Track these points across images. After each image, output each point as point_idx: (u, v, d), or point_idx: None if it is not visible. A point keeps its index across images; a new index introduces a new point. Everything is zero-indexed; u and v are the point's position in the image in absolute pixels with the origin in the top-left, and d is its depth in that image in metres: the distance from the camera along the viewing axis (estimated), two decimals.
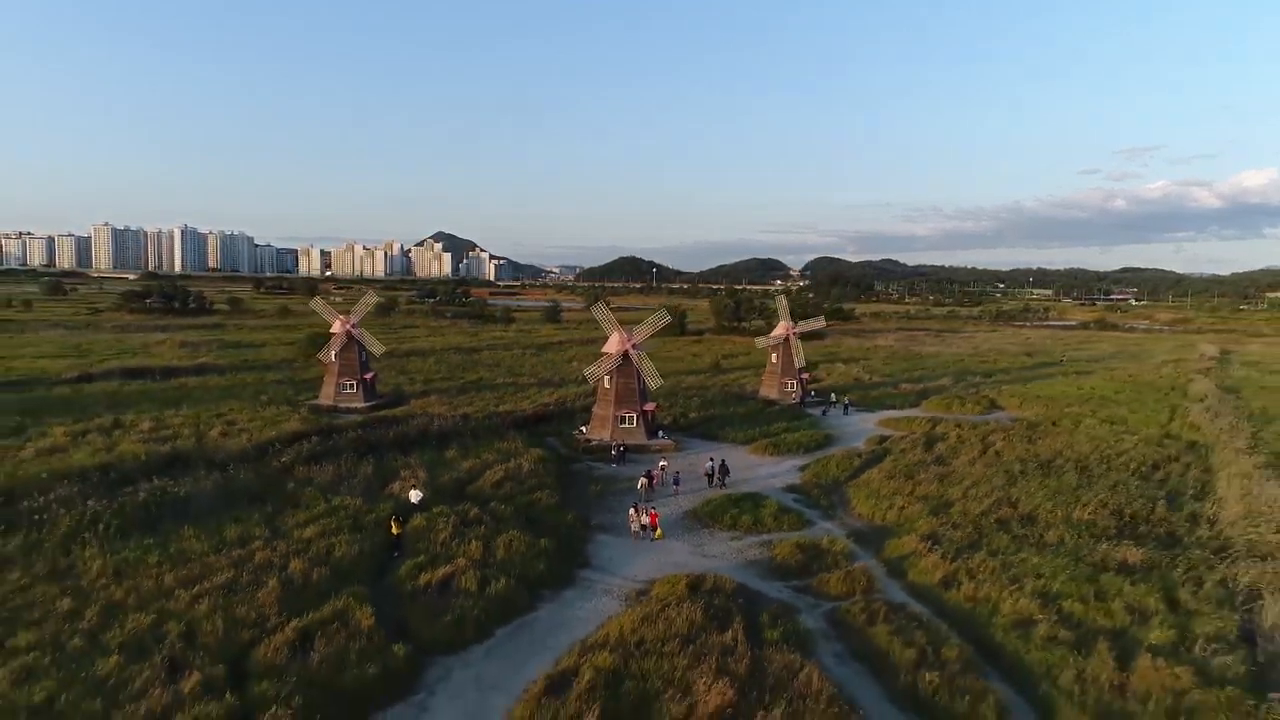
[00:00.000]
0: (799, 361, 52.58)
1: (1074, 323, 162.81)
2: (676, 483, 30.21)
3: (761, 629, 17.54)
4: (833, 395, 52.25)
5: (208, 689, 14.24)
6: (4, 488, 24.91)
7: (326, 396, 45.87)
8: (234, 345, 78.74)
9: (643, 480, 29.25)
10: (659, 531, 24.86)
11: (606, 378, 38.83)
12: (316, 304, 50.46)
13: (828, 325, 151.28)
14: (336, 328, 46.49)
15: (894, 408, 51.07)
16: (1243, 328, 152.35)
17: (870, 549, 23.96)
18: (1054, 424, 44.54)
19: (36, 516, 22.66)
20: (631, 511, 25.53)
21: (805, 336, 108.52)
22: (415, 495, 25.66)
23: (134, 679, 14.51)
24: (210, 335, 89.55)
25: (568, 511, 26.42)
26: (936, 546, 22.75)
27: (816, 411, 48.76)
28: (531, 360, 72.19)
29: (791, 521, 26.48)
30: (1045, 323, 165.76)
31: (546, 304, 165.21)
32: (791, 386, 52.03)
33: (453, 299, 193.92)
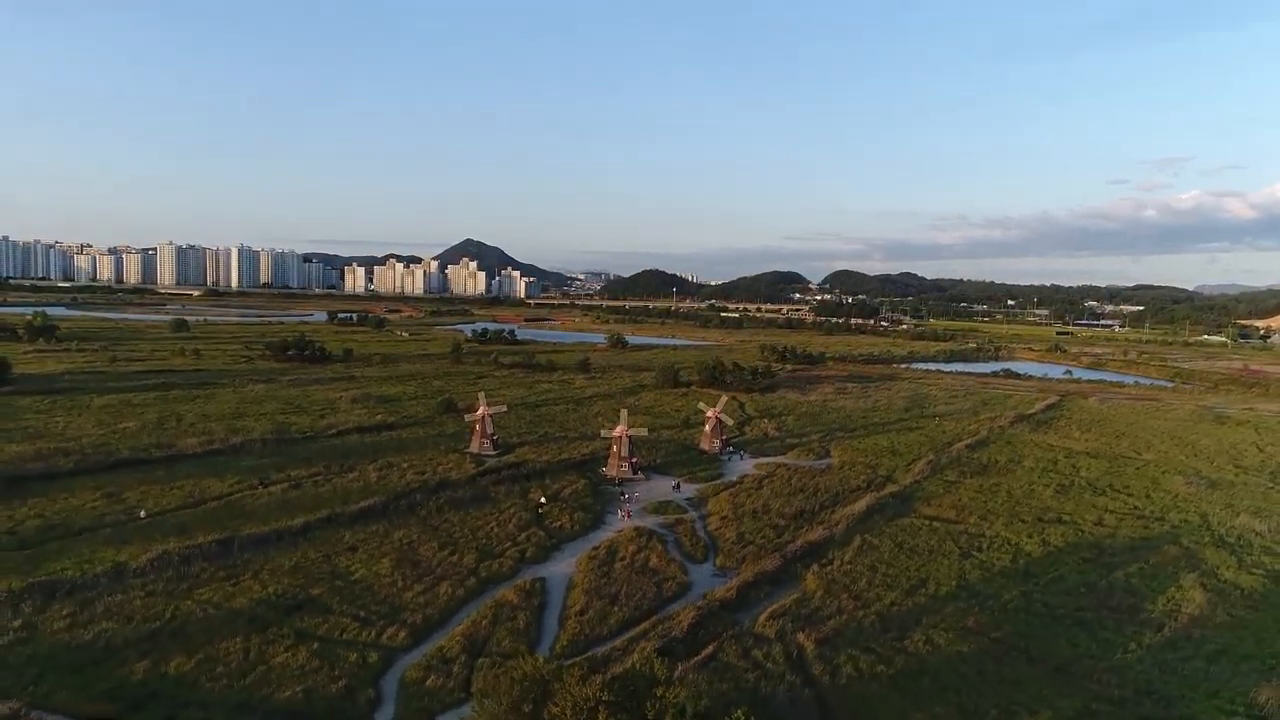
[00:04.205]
0: (707, 429, 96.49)
1: (988, 370, 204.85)
2: (636, 495, 74.38)
3: (654, 537, 61.70)
4: (732, 447, 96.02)
5: (504, 559, 59.06)
6: (398, 493, 69.85)
7: (474, 446, 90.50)
8: (383, 400, 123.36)
9: (624, 494, 73.74)
10: (630, 515, 68.99)
11: (614, 443, 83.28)
12: (480, 396, 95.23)
13: (794, 370, 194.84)
14: (480, 411, 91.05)
15: (771, 455, 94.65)
16: (1119, 374, 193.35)
17: (702, 519, 68.06)
18: (841, 467, 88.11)
19: (417, 503, 67.49)
20: (619, 509, 69.86)
21: (766, 388, 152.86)
22: (543, 497, 70.16)
23: (499, 531, 59.32)
24: (357, 388, 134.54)
25: (597, 505, 70.89)
26: (724, 518, 66.90)
27: (725, 457, 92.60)
28: (573, 415, 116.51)
29: (680, 510, 70.49)
30: (971, 369, 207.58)
31: (576, 341, 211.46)
32: (715, 443, 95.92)
33: (500, 337, 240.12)
